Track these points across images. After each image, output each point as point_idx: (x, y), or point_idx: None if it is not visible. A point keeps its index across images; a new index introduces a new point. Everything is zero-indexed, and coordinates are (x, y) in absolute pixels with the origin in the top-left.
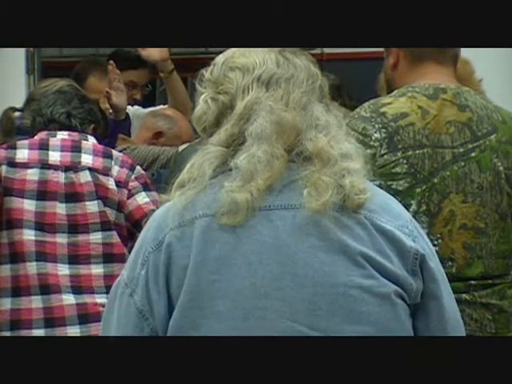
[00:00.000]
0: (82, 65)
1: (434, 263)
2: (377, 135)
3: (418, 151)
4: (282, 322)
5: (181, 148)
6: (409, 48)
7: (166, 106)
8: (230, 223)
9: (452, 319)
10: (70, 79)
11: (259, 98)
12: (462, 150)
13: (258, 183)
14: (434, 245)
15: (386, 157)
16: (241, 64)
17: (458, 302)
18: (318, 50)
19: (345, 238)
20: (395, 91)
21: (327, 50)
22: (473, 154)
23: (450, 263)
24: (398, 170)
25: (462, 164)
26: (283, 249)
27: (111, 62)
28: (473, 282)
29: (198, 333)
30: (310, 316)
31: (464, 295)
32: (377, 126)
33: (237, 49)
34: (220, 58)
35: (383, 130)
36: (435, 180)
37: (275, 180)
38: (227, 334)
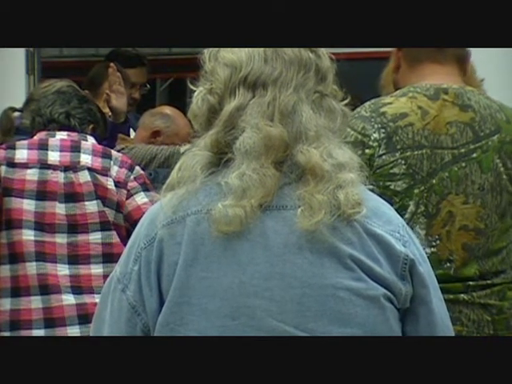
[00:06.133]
0: (96, 70)
1: (425, 268)
2: (376, 135)
3: (416, 152)
4: (270, 322)
5: (182, 149)
6: (406, 49)
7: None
8: (223, 230)
9: (441, 324)
10: (71, 81)
11: (244, 104)
12: (463, 150)
13: (251, 202)
14: (433, 246)
15: (384, 157)
16: (229, 60)
17: (456, 302)
18: None
19: (335, 240)
20: (397, 91)
21: (327, 50)
22: (474, 155)
23: (448, 264)
24: (396, 170)
25: (463, 165)
26: (273, 249)
27: (112, 64)
28: (471, 282)
29: (186, 329)
30: (298, 317)
31: (462, 295)
32: (376, 125)
33: None
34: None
35: (382, 130)
36: (433, 181)
37: (270, 199)
38: (215, 331)
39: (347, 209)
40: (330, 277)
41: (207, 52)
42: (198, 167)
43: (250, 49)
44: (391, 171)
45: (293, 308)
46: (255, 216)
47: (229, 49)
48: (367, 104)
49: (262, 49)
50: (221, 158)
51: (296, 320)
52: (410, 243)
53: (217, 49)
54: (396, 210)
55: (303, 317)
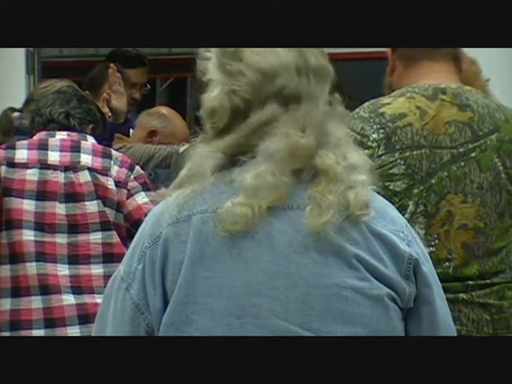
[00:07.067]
0: (97, 70)
1: (428, 268)
2: (375, 136)
3: (415, 152)
4: (275, 321)
5: (181, 149)
6: (401, 50)
7: None
8: (229, 229)
9: (444, 324)
10: (71, 81)
11: (276, 116)
12: (462, 149)
13: (261, 203)
14: (432, 245)
15: (383, 157)
16: (260, 66)
17: (455, 301)
18: None
19: (340, 240)
20: (395, 91)
21: (327, 50)
22: (473, 154)
23: (447, 263)
24: (395, 170)
25: (462, 164)
26: (278, 248)
27: (112, 65)
28: (471, 282)
29: (191, 328)
30: (302, 316)
31: (461, 295)
32: (375, 126)
33: None
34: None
35: (381, 131)
36: (433, 181)
37: (279, 202)
38: (220, 330)
39: (356, 210)
40: (335, 276)
41: (223, 50)
42: (208, 168)
43: (278, 53)
44: (390, 171)
45: (297, 307)
46: (262, 216)
47: (252, 50)
48: (366, 105)
49: (291, 56)
50: (233, 160)
51: (300, 319)
52: (413, 243)
53: (233, 48)
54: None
55: (307, 316)
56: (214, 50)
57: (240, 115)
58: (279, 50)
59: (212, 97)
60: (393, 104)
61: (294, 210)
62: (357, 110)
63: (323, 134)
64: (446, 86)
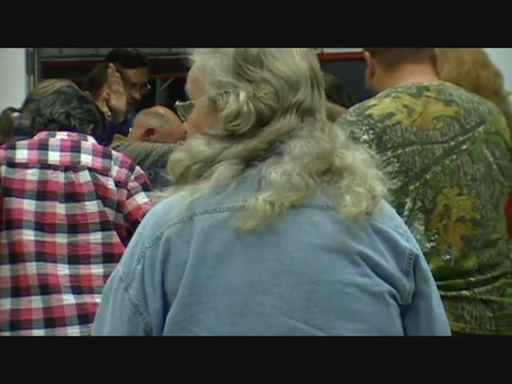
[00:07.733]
0: (97, 71)
1: (425, 264)
2: (365, 137)
3: (407, 149)
4: (280, 319)
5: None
6: (382, 53)
7: None
8: (238, 225)
9: (440, 322)
10: (70, 81)
11: (296, 126)
12: (453, 143)
13: (283, 201)
14: (432, 240)
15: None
16: (284, 73)
17: (459, 299)
18: (317, 50)
19: (343, 236)
20: (379, 93)
21: (327, 50)
22: (464, 147)
23: (447, 257)
24: (389, 169)
25: (454, 157)
26: (282, 246)
27: (111, 64)
28: (472, 278)
29: (198, 327)
30: (306, 313)
31: (464, 292)
32: (364, 128)
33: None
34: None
35: (371, 132)
36: (427, 176)
37: (300, 202)
38: (225, 329)
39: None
40: (338, 273)
41: (241, 54)
42: (218, 170)
43: (295, 59)
44: (384, 170)
45: (301, 305)
46: (282, 215)
47: (272, 54)
48: (351, 109)
49: (305, 65)
50: (248, 163)
51: (305, 316)
52: (411, 239)
53: (256, 50)
54: (393, 208)
55: (311, 313)
56: (224, 50)
57: (263, 121)
58: (293, 53)
59: (235, 100)
60: (379, 105)
61: (297, 209)
62: (343, 115)
63: (334, 137)
64: (429, 84)
